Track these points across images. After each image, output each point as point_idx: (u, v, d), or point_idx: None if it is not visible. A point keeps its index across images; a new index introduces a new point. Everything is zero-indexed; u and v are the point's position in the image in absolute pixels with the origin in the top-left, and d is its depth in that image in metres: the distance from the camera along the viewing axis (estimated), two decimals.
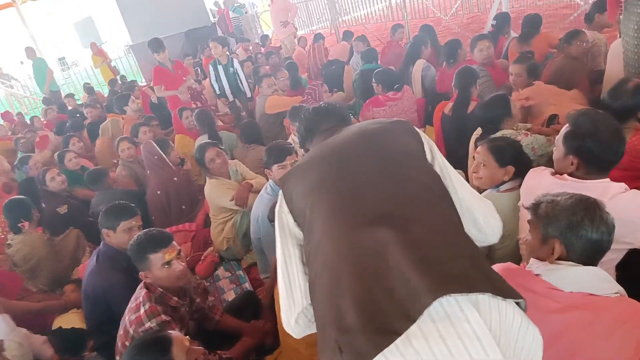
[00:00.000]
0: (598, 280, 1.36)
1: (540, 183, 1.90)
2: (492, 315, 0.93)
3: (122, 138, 4.38)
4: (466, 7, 9.14)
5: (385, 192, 1.09)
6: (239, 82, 5.70)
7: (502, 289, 0.96)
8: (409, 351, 0.87)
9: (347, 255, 1.01)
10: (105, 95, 9.09)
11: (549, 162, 2.35)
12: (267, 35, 9.54)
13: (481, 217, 1.28)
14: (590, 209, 1.38)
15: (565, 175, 1.81)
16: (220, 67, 5.61)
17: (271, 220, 2.10)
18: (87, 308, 2.48)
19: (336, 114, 1.46)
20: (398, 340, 0.87)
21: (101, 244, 2.50)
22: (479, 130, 2.68)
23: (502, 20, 4.85)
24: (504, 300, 0.96)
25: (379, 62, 5.07)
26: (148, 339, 1.64)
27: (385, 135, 1.23)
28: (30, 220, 3.29)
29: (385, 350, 0.87)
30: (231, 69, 5.59)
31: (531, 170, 2.01)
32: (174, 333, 1.68)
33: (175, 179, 3.72)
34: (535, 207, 1.49)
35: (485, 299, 0.94)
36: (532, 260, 1.47)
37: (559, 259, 1.40)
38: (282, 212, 1.23)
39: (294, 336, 1.29)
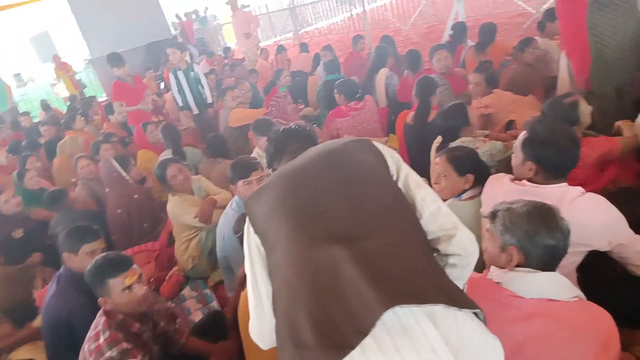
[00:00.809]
0: (557, 286, 1.39)
1: (500, 189, 1.94)
2: (449, 327, 0.94)
3: (81, 155, 4.25)
4: (425, 17, 9.35)
5: (342, 210, 1.11)
6: (200, 87, 5.55)
7: (458, 300, 0.97)
8: None
9: (304, 273, 1.03)
10: (64, 112, 8.82)
11: (507, 168, 2.40)
12: (229, 47, 9.50)
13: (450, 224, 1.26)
14: (546, 216, 1.42)
15: (524, 180, 1.86)
16: (180, 73, 5.45)
17: (236, 232, 2.07)
18: (48, 336, 2.36)
19: (304, 135, 1.50)
20: (354, 354, 0.88)
21: (62, 267, 2.40)
22: (439, 139, 2.73)
23: (459, 29, 4.99)
24: (460, 311, 0.97)
25: (341, 72, 5.10)
26: None
27: (344, 153, 1.25)
28: None
29: None
30: (192, 74, 5.45)
31: (491, 177, 2.06)
32: None
33: (135, 196, 3.63)
34: (492, 216, 1.52)
35: (441, 311, 0.95)
36: (492, 268, 1.49)
37: (517, 266, 1.43)
38: (249, 233, 1.24)
39: (262, 347, 1.29)
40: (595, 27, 2.57)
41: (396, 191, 1.23)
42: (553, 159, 1.78)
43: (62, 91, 12.55)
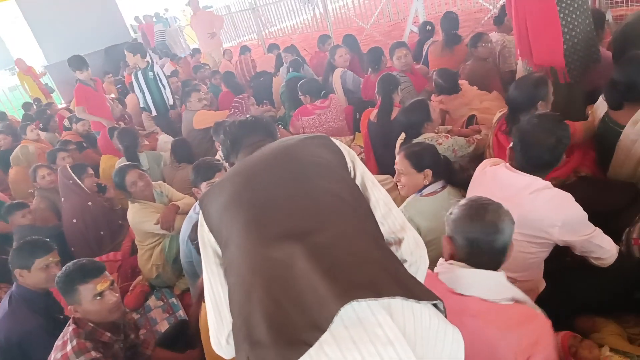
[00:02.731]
0: (491, 285, 1.40)
1: (478, 171, 1.99)
2: (405, 319, 0.94)
3: (39, 165, 4.08)
4: (386, 15, 9.42)
5: (295, 205, 1.09)
6: (160, 87, 5.38)
7: (416, 292, 0.97)
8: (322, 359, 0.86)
9: (257, 269, 1.00)
10: (20, 120, 8.48)
11: (470, 163, 2.44)
12: (198, 49, 9.30)
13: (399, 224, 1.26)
14: (473, 207, 1.45)
15: (507, 164, 1.88)
16: (139, 74, 5.28)
17: (192, 239, 2.01)
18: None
19: (262, 128, 1.44)
20: (311, 350, 0.86)
21: (14, 285, 2.29)
22: (403, 136, 2.74)
23: (429, 29, 5.02)
24: (418, 302, 0.96)
25: (302, 71, 5.07)
26: None
27: (301, 149, 1.23)
28: None
29: None
30: (150, 74, 5.28)
31: (484, 161, 2.06)
32: None
33: (89, 203, 3.51)
34: (450, 213, 1.55)
35: (398, 303, 0.94)
36: (440, 260, 1.53)
37: (452, 258, 1.47)
38: (203, 232, 1.20)
39: (225, 357, 1.25)
40: (568, 19, 2.62)
41: (352, 186, 1.21)
42: (527, 151, 1.80)
43: (21, 97, 12.05)
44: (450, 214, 1.50)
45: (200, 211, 1.23)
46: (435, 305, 1.01)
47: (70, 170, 3.51)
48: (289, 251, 0.98)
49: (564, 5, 2.58)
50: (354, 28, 9.41)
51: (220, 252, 1.17)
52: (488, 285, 1.40)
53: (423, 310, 0.97)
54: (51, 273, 2.22)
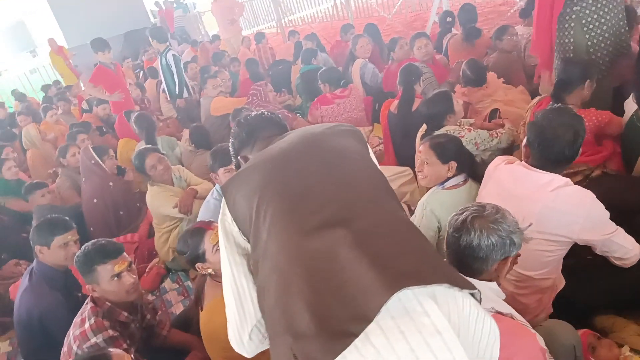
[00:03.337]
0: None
1: (491, 169, 1.95)
2: (450, 308, 0.92)
3: (70, 144, 4.12)
4: (409, 5, 9.31)
5: (331, 193, 1.07)
6: (174, 75, 5.40)
7: (457, 280, 0.96)
8: (369, 350, 0.85)
9: (297, 258, 0.98)
10: (40, 102, 8.59)
11: (492, 157, 2.40)
12: (217, 35, 9.31)
13: None
14: (464, 213, 1.43)
15: (523, 162, 1.84)
16: (161, 58, 5.34)
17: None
18: (21, 333, 2.29)
19: (278, 123, 1.42)
20: (357, 341, 0.85)
21: (34, 262, 2.33)
22: (424, 127, 2.70)
23: (449, 20, 4.93)
24: (460, 291, 0.95)
25: (318, 60, 5.04)
26: (84, 357, 1.54)
27: (328, 137, 1.21)
28: None
29: (345, 352, 0.84)
30: (164, 60, 5.31)
31: (497, 157, 2.02)
32: (114, 351, 1.56)
33: (110, 184, 3.54)
34: None
35: (442, 291, 0.93)
36: None
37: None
38: (226, 221, 1.18)
39: (246, 355, 1.22)
40: (584, 16, 2.58)
41: (380, 174, 1.20)
42: (546, 147, 1.75)
43: (41, 80, 12.19)
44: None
45: (224, 200, 1.20)
46: (472, 295, 0.99)
47: (92, 151, 3.54)
48: (330, 240, 0.96)
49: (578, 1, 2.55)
50: (375, 18, 9.30)
51: (243, 243, 1.16)
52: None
53: (464, 299, 0.96)
54: (70, 251, 2.25)
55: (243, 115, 1.47)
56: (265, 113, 1.44)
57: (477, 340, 0.98)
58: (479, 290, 0.99)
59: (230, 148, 1.45)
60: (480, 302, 1.01)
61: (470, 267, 1.41)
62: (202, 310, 1.94)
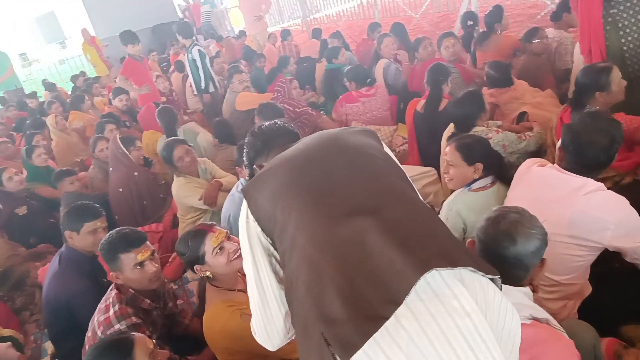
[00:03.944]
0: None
1: (522, 170, 1.93)
2: (477, 291, 0.94)
3: (100, 137, 4.18)
4: (436, 5, 9.21)
5: (356, 184, 1.09)
6: (197, 69, 5.45)
7: (482, 265, 0.97)
8: (400, 334, 0.87)
9: (326, 247, 0.99)
10: (69, 92, 8.79)
11: (519, 160, 2.37)
12: (243, 31, 9.37)
13: None
14: (498, 221, 1.40)
15: (556, 165, 1.82)
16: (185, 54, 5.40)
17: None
18: (49, 315, 2.35)
19: (291, 132, 1.45)
20: (388, 324, 0.86)
21: (63, 246, 2.39)
22: (451, 127, 2.68)
23: (474, 19, 4.88)
24: (484, 276, 0.97)
25: (342, 58, 5.03)
26: (109, 340, 1.57)
27: (346, 135, 1.24)
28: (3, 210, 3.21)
29: (376, 335, 0.86)
30: (189, 55, 5.37)
31: (528, 160, 2.00)
32: (137, 335, 1.60)
33: (135, 173, 3.59)
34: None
35: (469, 275, 0.95)
36: None
37: None
38: (249, 222, 1.19)
39: (271, 349, 1.27)
40: (621, 19, 2.54)
41: (399, 167, 1.22)
42: (581, 152, 1.73)
43: (70, 70, 12.46)
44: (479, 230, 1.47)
45: (245, 202, 1.21)
46: (494, 282, 1.01)
47: (119, 141, 3.60)
48: (359, 228, 0.98)
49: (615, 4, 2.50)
50: (402, 17, 9.23)
51: (265, 243, 1.17)
52: None
53: (489, 284, 0.98)
54: (98, 237, 2.29)
55: (257, 126, 1.49)
56: (279, 122, 1.46)
57: (501, 326, 0.99)
58: (499, 277, 1.01)
59: (244, 158, 1.47)
60: (501, 289, 1.02)
61: (511, 276, 1.39)
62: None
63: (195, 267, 1.94)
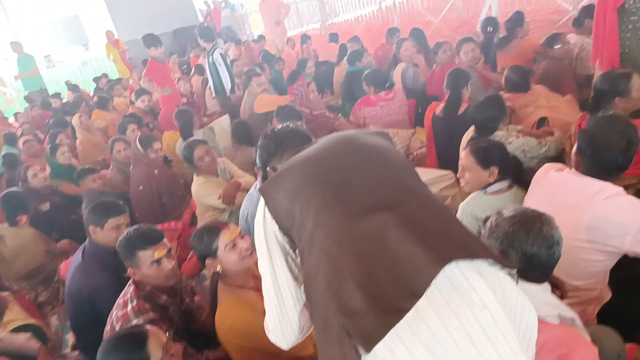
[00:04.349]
0: (534, 300, 1.35)
1: (541, 174, 1.92)
2: (494, 284, 0.95)
3: (117, 138, 4.27)
4: (455, 10, 9.20)
5: (373, 181, 1.10)
6: (218, 71, 5.50)
7: (499, 259, 0.98)
8: (420, 326, 0.88)
9: (346, 243, 1.01)
10: (91, 93, 8.97)
11: (539, 165, 2.35)
12: (262, 36, 9.48)
13: None
14: (529, 221, 1.38)
15: (573, 169, 1.81)
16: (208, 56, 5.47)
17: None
18: (71, 308, 2.41)
19: (303, 134, 1.46)
20: (409, 316, 0.87)
21: (87, 241, 2.44)
22: (471, 130, 2.68)
23: (496, 24, 4.85)
24: (501, 269, 0.98)
25: (363, 62, 5.05)
26: (123, 333, 1.59)
27: (360, 136, 1.26)
28: (27, 214, 3.29)
29: (397, 328, 0.87)
30: (210, 58, 5.44)
31: (546, 164, 1.99)
32: (151, 327, 1.62)
33: (155, 171, 3.64)
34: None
35: (486, 267, 0.96)
36: None
37: None
38: (266, 221, 1.22)
39: (285, 347, 1.28)
40: None
41: (413, 167, 1.24)
42: (598, 155, 1.71)
43: (93, 72, 12.71)
44: (492, 226, 1.44)
45: (262, 201, 1.23)
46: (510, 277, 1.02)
47: (137, 142, 3.66)
48: (378, 223, 0.99)
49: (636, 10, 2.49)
50: (421, 22, 9.23)
51: (282, 239, 1.20)
52: (534, 301, 1.36)
53: (506, 278, 0.99)
54: (121, 233, 2.31)
55: (269, 129, 1.51)
56: (291, 125, 1.48)
57: (519, 320, 0.99)
58: (516, 272, 1.01)
59: (257, 161, 1.49)
60: (517, 283, 1.03)
61: (544, 275, 1.39)
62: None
63: (206, 260, 1.97)
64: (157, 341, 1.55)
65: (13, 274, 3.20)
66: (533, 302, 1.13)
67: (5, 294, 2.88)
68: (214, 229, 1.98)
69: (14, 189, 3.63)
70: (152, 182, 3.62)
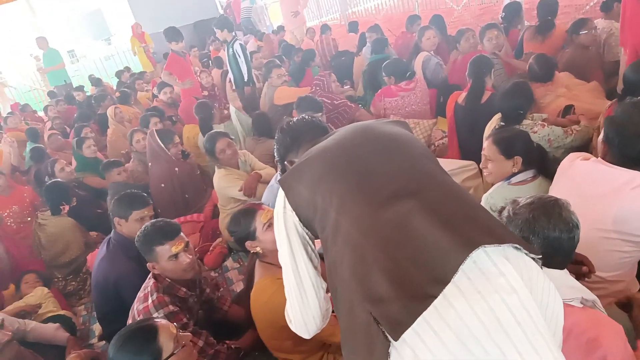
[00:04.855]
0: (558, 285, 1.33)
1: (569, 166, 1.87)
2: (522, 269, 0.94)
3: (136, 129, 4.34)
4: None
5: (394, 168, 1.10)
6: (239, 63, 5.46)
7: (525, 245, 0.98)
8: (449, 313, 0.87)
9: (369, 231, 1.01)
10: (114, 87, 9.11)
11: (565, 154, 2.30)
12: (282, 26, 9.45)
13: None
14: (548, 206, 1.37)
15: (600, 158, 1.77)
16: (227, 48, 5.43)
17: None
18: (97, 296, 2.48)
19: (319, 126, 1.45)
20: (437, 303, 0.87)
21: (112, 232, 2.50)
22: (494, 120, 2.63)
23: (513, 11, 4.73)
24: (528, 255, 0.97)
25: (386, 51, 4.98)
26: (133, 328, 1.60)
27: (379, 125, 1.25)
28: (69, 204, 3.40)
29: (425, 314, 0.87)
30: (230, 50, 5.40)
31: (571, 154, 1.95)
32: (161, 320, 1.64)
33: (176, 169, 3.67)
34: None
35: (513, 253, 0.95)
36: None
37: None
38: (286, 212, 1.22)
39: (306, 336, 1.30)
40: None
41: (433, 155, 1.23)
42: (627, 144, 1.67)
43: (115, 66, 12.88)
44: (510, 214, 1.43)
45: (281, 192, 1.24)
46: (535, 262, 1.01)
47: (156, 136, 3.67)
48: (402, 210, 0.99)
49: None
50: (442, 10, 9.06)
51: (302, 230, 1.20)
52: (557, 285, 1.33)
53: (532, 263, 0.98)
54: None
55: (286, 122, 1.50)
56: (307, 117, 1.48)
57: (545, 305, 0.99)
58: (540, 258, 1.01)
59: (275, 154, 1.49)
60: (542, 268, 1.02)
61: (564, 260, 1.38)
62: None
63: (246, 243, 2.00)
64: (168, 333, 1.57)
65: (48, 261, 3.31)
66: (557, 286, 1.13)
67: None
68: (250, 211, 2.01)
69: (57, 180, 3.70)
70: (174, 180, 3.66)
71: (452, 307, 0.87)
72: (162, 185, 3.67)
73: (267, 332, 1.95)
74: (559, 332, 1.04)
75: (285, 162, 1.45)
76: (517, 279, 0.91)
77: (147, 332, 1.56)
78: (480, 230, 0.94)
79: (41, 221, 3.33)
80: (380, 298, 0.92)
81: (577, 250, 1.44)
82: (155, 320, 1.64)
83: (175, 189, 3.68)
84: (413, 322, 0.87)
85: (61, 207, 3.35)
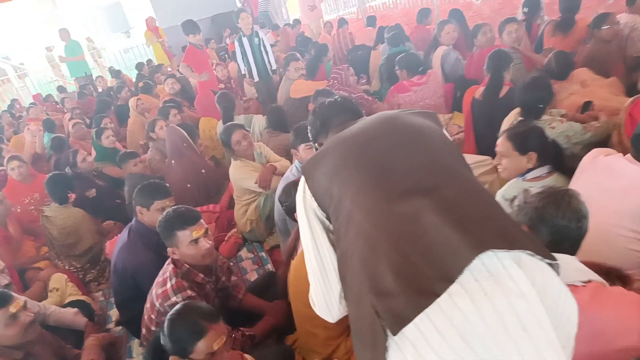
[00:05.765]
0: (567, 268, 1.31)
1: (591, 162, 1.87)
2: (534, 275, 0.92)
3: (157, 118, 4.37)
4: None
5: (413, 163, 1.10)
6: (264, 53, 5.45)
7: (541, 250, 0.96)
8: (454, 312, 0.87)
9: (382, 224, 1.01)
10: (133, 79, 9.21)
11: (583, 151, 2.28)
12: (298, 20, 9.45)
13: None
14: (558, 195, 1.39)
15: (629, 155, 1.75)
16: (245, 40, 5.36)
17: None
18: (115, 283, 2.53)
19: (351, 108, 1.45)
20: (441, 301, 0.87)
21: (133, 220, 2.54)
22: (511, 116, 2.60)
23: (534, 6, 4.66)
24: (542, 260, 0.96)
25: (406, 45, 4.94)
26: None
27: (405, 116, 1.25)
28: (74, 193, 3.42)
29: (428, 311, 0.87)
30: (256, 40, 5.37)
31: (594, 149, 1.94)
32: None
33: (203, 171, 3.70)
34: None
35: (526, 258, 0.93)
36: None
37: None
38: (306, 197, 1.24)
39: (330, 320, 1.29)
40: None
41: (457, 149, 1.22)
42: None
43: (134, 58, 13.02)
44: (521, 203, 1.45)
45: (302, 178, 1.25)
46: (552, 267, 0.99)
47: (183, 132, 3.68)
48: (415, 206, 0.99)
49: None
50: (460, 4, 8.96)
51: (322, 216, 1.21)
52: (564, 268, 1.34)
53: (547, 269, 0.96)
54: None
55: (317, 105, 1.51)
56: (339, 99, 1.47)
57: (560, 311, 0.97)
58: (558, 263, 0.99)
59: (309, 135, 1.52)
60: (559, 274, 1.00)
61: (573, 247, 1.39)
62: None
63: (295, 214, 2.02)
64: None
65: (64, 253, 3.36)
66: (565, 270, 1.13)
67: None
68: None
69: (57, 172, 3.74)
70: (201, 182, 3.71)
71: (457, 307, 0.87)
72: (188, 185, 3.70)
73: (299, 309, 1.95)
74: (571, 338, 1.02)
75: (316, 145, 1.47)
76: (527, 283, 0.89)
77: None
78: (493, 232, 0.93)
79: (48, 214, 3.35)
80: (385, 291, 0.92)
81: (594, 246, 1.43)
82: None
83: (200, 190, 3.74)
84: (414, 318, 0.87)
85: (68, 195, 3.35)
